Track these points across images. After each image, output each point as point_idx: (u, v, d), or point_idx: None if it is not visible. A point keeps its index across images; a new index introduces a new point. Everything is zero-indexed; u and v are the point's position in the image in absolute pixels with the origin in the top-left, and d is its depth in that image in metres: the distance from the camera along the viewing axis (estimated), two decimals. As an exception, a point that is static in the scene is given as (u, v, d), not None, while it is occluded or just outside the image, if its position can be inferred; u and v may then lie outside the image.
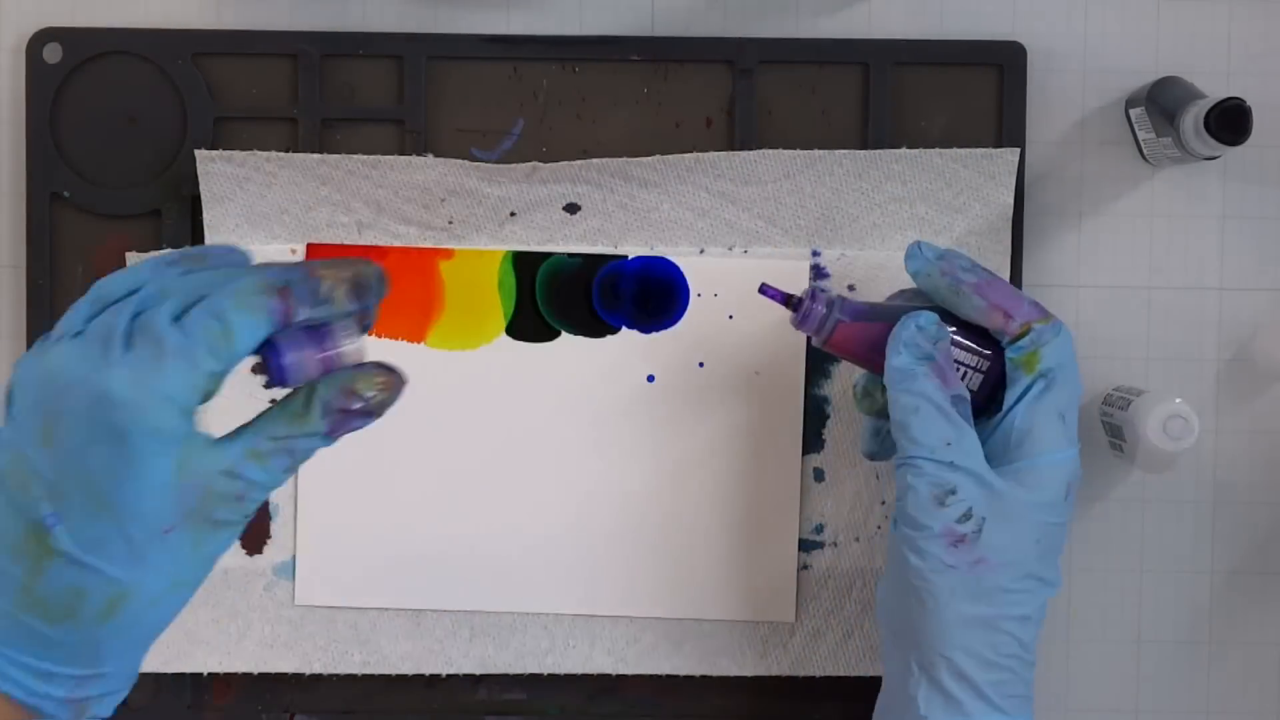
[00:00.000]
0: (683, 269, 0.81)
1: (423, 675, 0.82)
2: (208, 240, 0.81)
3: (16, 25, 0.83)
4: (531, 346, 0.82)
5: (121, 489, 0.57)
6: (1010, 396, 0.70)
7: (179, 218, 0.82)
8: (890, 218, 0.81)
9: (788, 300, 0.73)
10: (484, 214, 0.81)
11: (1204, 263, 0.83)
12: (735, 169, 0.81)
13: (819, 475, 0.82)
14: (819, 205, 0.81)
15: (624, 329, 0.82)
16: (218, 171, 0.81)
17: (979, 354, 0.72)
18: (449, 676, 0.82)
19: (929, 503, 0.69)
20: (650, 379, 0.82)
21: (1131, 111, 0.82)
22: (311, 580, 0.82)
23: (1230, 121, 0.74)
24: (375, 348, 0.81)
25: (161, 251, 0.74)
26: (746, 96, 0.82)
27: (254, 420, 0.61)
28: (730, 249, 0.81)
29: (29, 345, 0.81)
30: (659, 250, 0.81)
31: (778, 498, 0.81)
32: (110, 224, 0.82)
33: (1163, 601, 0.84)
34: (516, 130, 0.82)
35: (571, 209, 0.81)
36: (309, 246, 0.81)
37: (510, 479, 0.82)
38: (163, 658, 0.81)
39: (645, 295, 0.81)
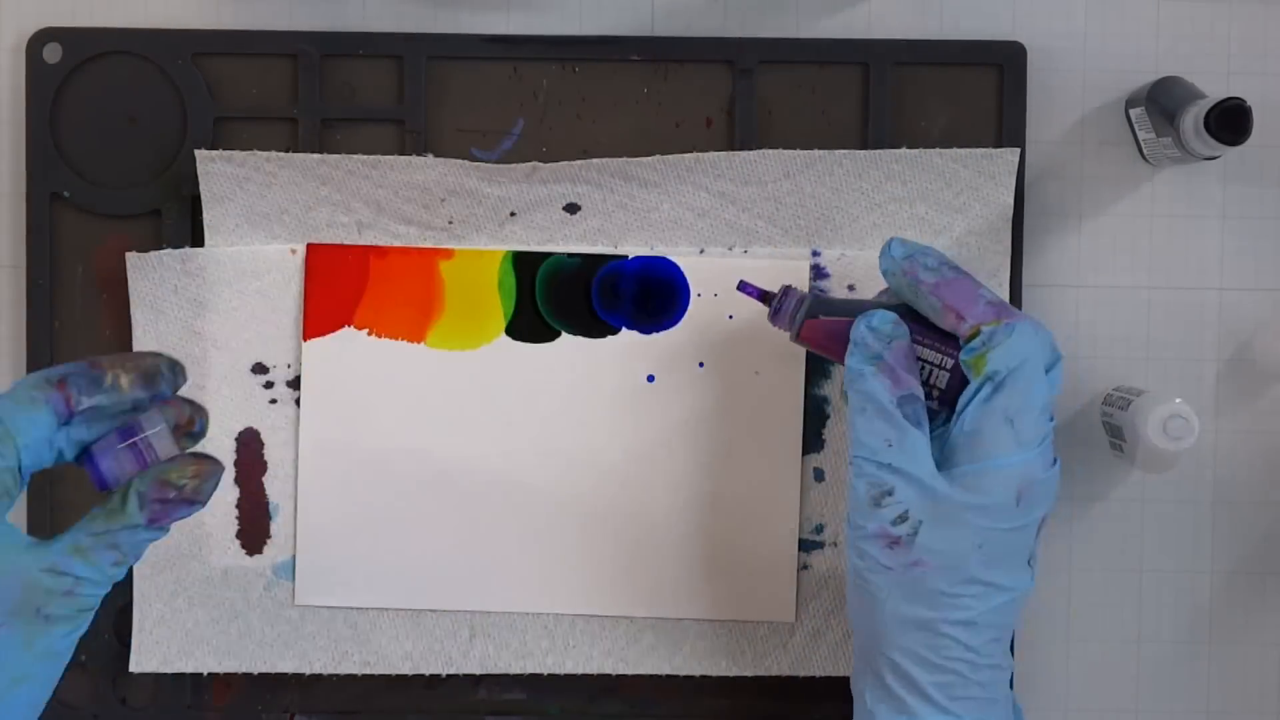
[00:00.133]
0: (683, 269, 0.81)
1: (423, 675, 0.82)
2: (208, 240, 0.81)
3: (16, 25, 0.83)
4: (531, 347, 0.82)
5: None
6: (963, 399, 0.70)
7: (179, 218, 0.82)
8: (890, 218, 0.81)
9: (763, 296, 0.75)
10: (484, 214, 0.81)
11: (1204, 263, 0.83)
12: (735, 169, 0.81)
13: (819, 475, 0.82)
14: (819, 205, 0.81)
15: (624, 329, 0.82)
16: (218, 171, 0.81)
17: (944, 352, 0.71)
18: (449, 676, 0.82)
19: (866, 503, 0.69)
20: (650, 379, 0.82)
21: (1131, 111, 0.82)
22: (311, 580, 0.82)
23: (1230, 121, 0.74)
24: (375, 348, 0.81)
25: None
26: (746, 96, 0.82)
27: (82, 519, 0.64)
28: (730, 249, 0.81)
29: (29, 345, 0.81)
30: (659, 250, 0.81)
31: (778, 498, 0.81)
32: (110, 224, 0.82)
33: (1163, 601, 0.84)
34: (516, 130, 0.82)
35: (571, 209, 0.81)
36: (309, 246, 0.81)
37: (510, 479, 0.81)
38: (163, 657, 0.81)
39: (645, 295, 0.81)
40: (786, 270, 0.81)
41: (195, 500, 0.64)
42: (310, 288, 0.81)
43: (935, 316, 0.71)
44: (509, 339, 0.81)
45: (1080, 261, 0.83)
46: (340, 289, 0.81)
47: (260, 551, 0.82)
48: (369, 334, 0.81)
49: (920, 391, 0.70)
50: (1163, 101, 0.79)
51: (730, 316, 0.81)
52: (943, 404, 0.71)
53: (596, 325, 0.81)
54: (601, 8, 0.83)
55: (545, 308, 0.81)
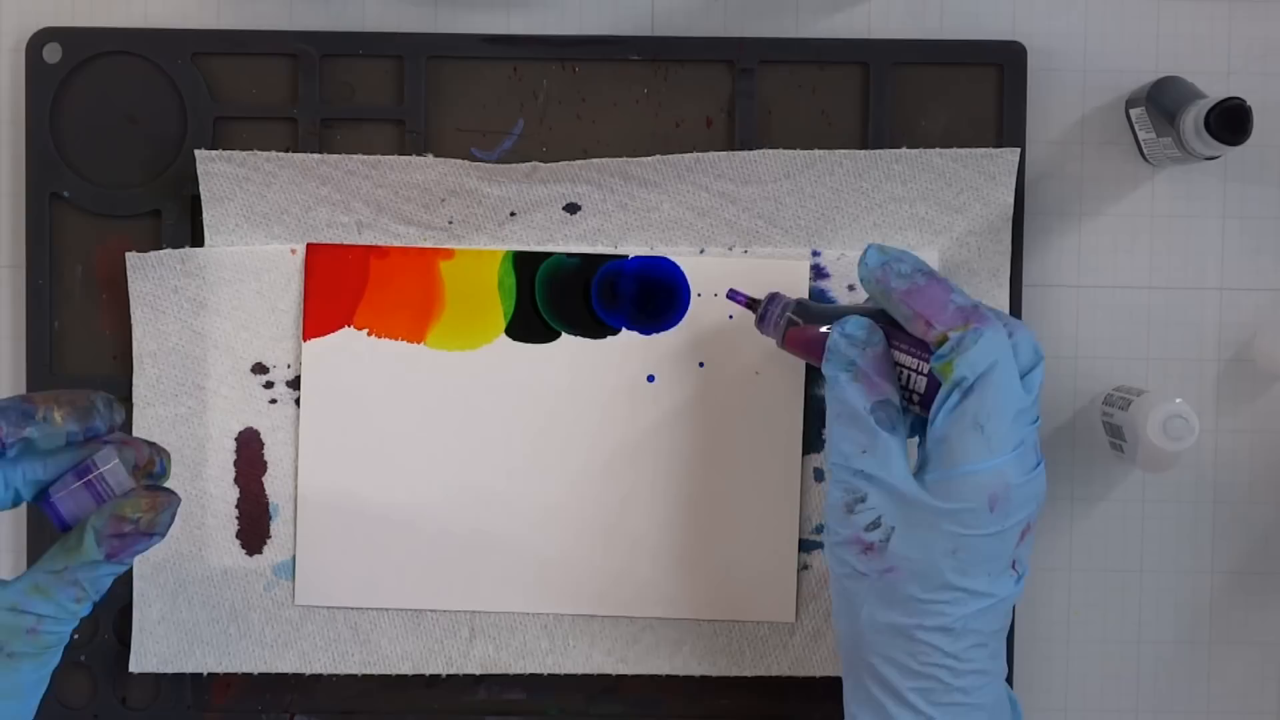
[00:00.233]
0: (683, 269, 0.81)
1: (423, 675, 0.82)
2: (208, 240, 0.81)
3: (16, 25, 0.83)
4: (531, 347, 0.82)
5: None
6: (934, 405, 0.69)
7: (179, 218, 0.82)
8: (890, 218, 0.81)
9: (751, 304, 0.76)
10: (484, 214, 0.81)
11: (1204, 263, 0.83)
12: (735, 169, 0.81)
13: (819, 475, 0.82)
14: (819, 205, 0.81)
15: (624, 330, 0.81)
16: (218, 171, 0.81)
17: (921, 357, 0.71)
18: (449, 676, 0.82)
19: (841, 509, 0.69)
20: (650, 379, 0.82)
21: (1131, 111, 0.82)
22: (311, 580, 0.82)
23: (1230, 121, 0.74)
24: (375, 348, 0.81)
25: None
26: (746, 96, 0.82)
27: (42, 557, 0.65)
28: (730, 249, 0.81)
29: (29, 345, 0.81)
30: (659, 250, 0.81)
31: (778, 498, 0.81)
32: (110, 224, 0.82)
33: (1163, 601, 0.84)
34: (516, 130, 0.82)
35: (571, 209, 0.81)
36: (309, 246, 0.81)
37: (510, 479, 0.81)
38: (163, 657, 0.81)
39: (645, 295, 0.81)
40: (786, 270, 0.81)
41: (152, 533, 0.65)
42: (310, 288, 0.81)
43: (907, 324, 0.70)
44: (509, 339, 0.82)
45: (1080, 261, 0.83)
46: (340, 289, 0.81)
47: (260, 551, 0.82)
48: (369, 334, 0.81)
49: (896, 397, 0.70)
50: (1163, 101, 0.79)
51: (730, 316, 0.81)
52: (924, 408, 0.71)
53: (596, 325, 0.81)
54: (601, 8, 0.83)
55: (545, 308, 0.81)
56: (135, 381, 0.81)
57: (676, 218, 0.81)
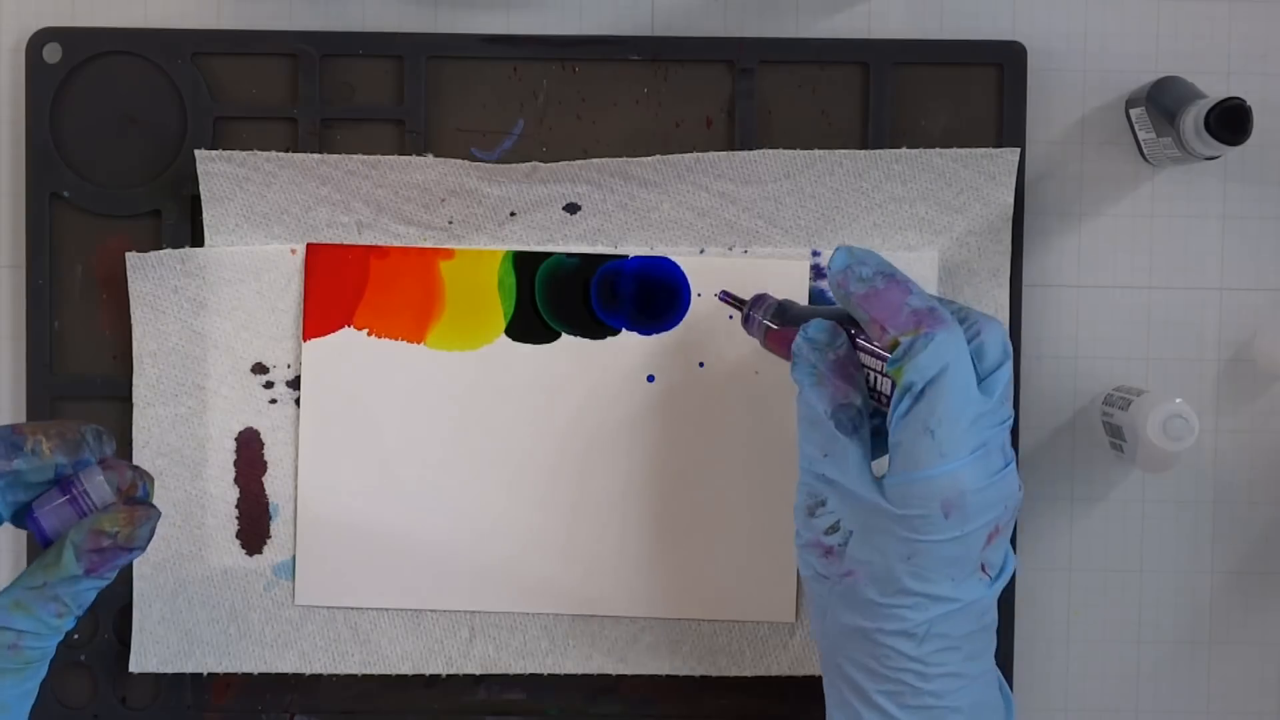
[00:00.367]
0: (683, 269, 0.81)
1: (423, 675, 0.82)
2: (208, 240, 0.81)
3: (16, 25, 0.83)
4: (531, 348, 0.81)
5: None
6: (889, 410, 0.68)
7: (179, 218, 0.82)
8: (890, 218, 0.81)
9: (738, 305, 0.76)
10: (484, 214, 0.81)
11: (1204, 263, 0.83)
12: (735, 169, 0.81)
13: (819, 475, 0.82)
14: (819, 205, 0.81)
15: (624, 330, 0.81)
16: (218, 171, 0.81)
17: (883, 358, 0.70)
18: (449, 676, 0.82)
19: (803, 513, 0.69)
20: (650, 379, 0.82)
21: (1131, 111, 0.82)
22: (311, 580, 0.82)
23: (1230, 121, 0.74)
24: (375, 348, 0.81)
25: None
26: (746, 96, 0.82)
27: (22, 573, 0.66)
28: (730, 249, 0.81)
29: (29, 345, 0.81)
30: (659, 250, 0.81)
31: (778, 497, 0.81)
32: (110, 224, 0.82)
33: (1163, 601, 0.84)
34: (516, 130, 0.82)
35: (571, 209, 0.81)
36: (309, 246, 0.81)
37: (510, 479, 0.81)
38: (163, 657, 0.81)
39: (645, 295, 0.81)
40: (786, 270, 0.81)
41: (131, 547, 0.65)
42: (310, 288, 0.81)
43: (866, 328, 0.69)
44: (509, 339, 0.81)
45: (1080, 261, 0.83)
46: (340, 289, 0.81)
47: (260, 551, 0.82)
48: (369, 334, 0.81)
49: (858, 399, 0.69)
50: (1163, 101, 0.79)
51: (730, 316, 0.81)
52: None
53: (596, 325, 0.81)
54: (601, 8, 0.83)
55: (545, 308, 0.81)
56: (135, 381, 0.81)
57: (676, 218, 0.81)
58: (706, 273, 0.81)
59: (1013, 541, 0.79)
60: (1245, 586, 0.84)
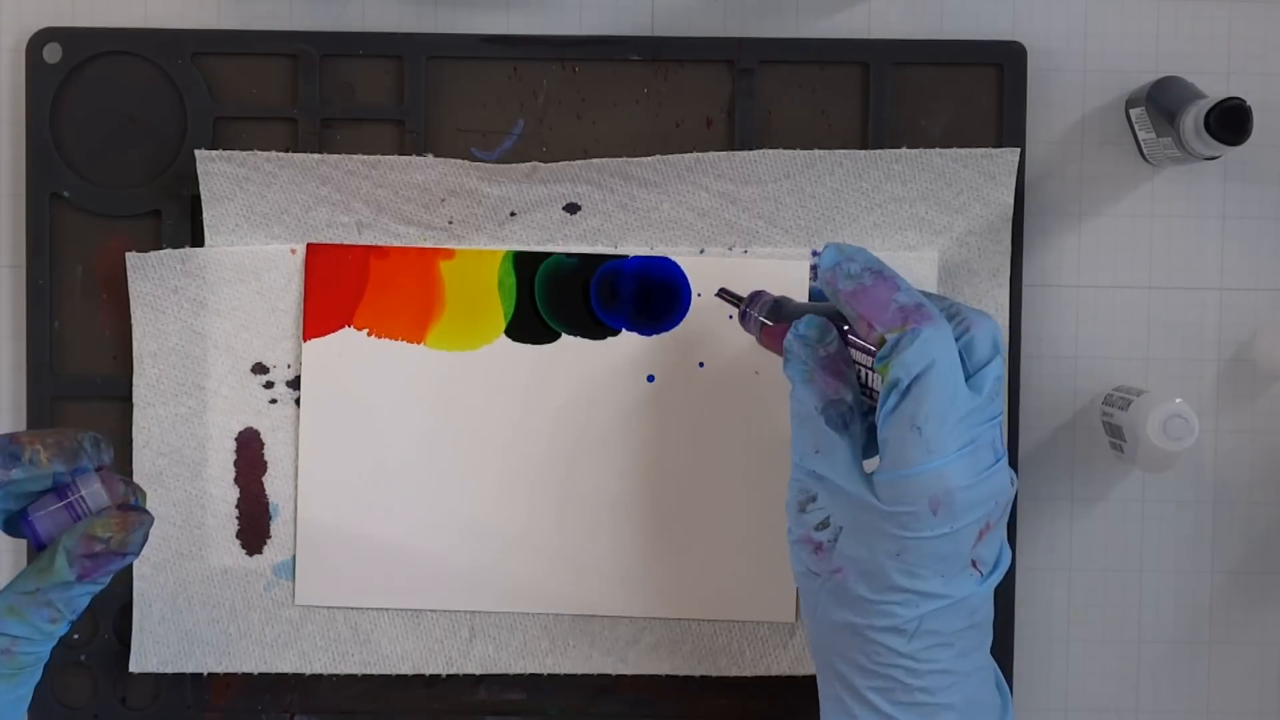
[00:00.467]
0: (683, 269, 0.81)
1: (423, 675, 0.82)
2: (208, 240, 0.81)
3: (16, 25, 0.83)
4: (531, 348, 0.81)
5: None
6: (878, 407, 0.68)
7: (179, 218, 0.82)
8: (890, 218, 0.81)
9: (736, 302, 0.76)
10: (484, 214, 0.81)
11: (1204, 263, 0.83)
12: (735, 169, 0.81)
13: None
14: (819, 205, 0.81)
15: (624, 330, 0.81)
16: (218, 171, 0.81)
17: (873, 354, 0.70)
18: (449, 676, 0.82)
19: (794, 509, 0.69)
20: (650, 379, 0.82)
21: (1131, 111, 0.82)
22: (311, 580, 0.82)
23: (1230, 121, 0.74)
24: (375, 348, 0.81)
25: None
26: (746, 96, 0.82)
27: (15, 578, 0.66)
28: (730, 249, 0.81)
29: (29, 345, 0.81)
30: (659, 250, 0.81)
31: (778, 498, 0.81)
32: (110, 224, 0.82)
33: (1163, 601, 0.84)
34: (516, 130, 0.82)
35: (571, 209, 0.81)
36: (309, 246, 0.81)
37: (510, 479, 0.81)
38: (163, 657, 0.81)
39: (645, 295, 0.81)
40: (786, 270, 0.81)
41: (124, 553, 0.65)
42: (310, 288, 0.81)
43: (854, 325, 0.69)
44: (509, 340, 0.81)
45: (1080, 261, 0.83)
46: (340, 289, 0.81)
47: (260, 551, 0.82)
48: (369, 334, 0.81)
49: (849, 396, 0.69)
50: (1163, 101, 0.79)
51: (730, 316, 0.81)
52: None
53: (596, 326, 0.81)
54: (601, 8, 0.83)
55: (544, 308, 0.81)
56: (135, 381, 0.81)
57: (676, 218, 0.81)
58: (706, 273, 0.81)
59: (1012, 540, 0.79)
60: (1245, 586, 0.84)
